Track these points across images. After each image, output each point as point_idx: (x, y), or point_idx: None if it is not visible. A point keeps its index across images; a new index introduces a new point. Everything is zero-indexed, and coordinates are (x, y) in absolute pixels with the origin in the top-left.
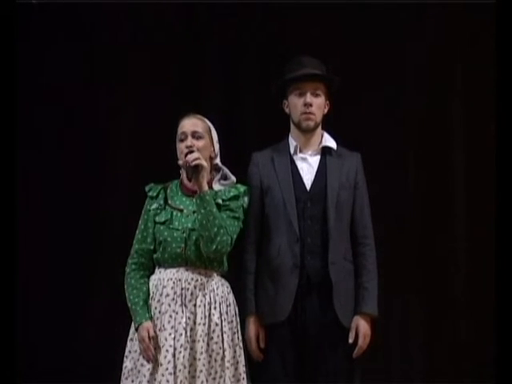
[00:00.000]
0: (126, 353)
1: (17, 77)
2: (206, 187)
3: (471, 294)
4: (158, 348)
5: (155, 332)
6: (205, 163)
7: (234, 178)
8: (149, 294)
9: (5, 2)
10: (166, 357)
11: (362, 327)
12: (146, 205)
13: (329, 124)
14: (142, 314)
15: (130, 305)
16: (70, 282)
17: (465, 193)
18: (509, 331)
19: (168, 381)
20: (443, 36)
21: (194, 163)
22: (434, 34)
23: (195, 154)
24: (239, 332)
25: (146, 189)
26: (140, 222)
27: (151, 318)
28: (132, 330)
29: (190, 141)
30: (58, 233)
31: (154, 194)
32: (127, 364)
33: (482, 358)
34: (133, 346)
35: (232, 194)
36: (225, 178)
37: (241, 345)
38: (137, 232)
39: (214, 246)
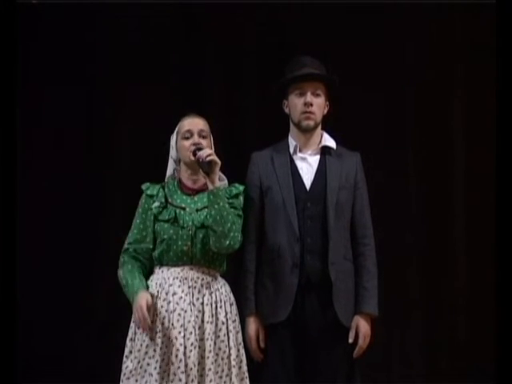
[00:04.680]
0: (127, 353)
1: (17, 76)
2: (218, 183)
3: (471, 294)
4: (159, 332)
5: (152, 302)
6: (218, 159)
7: (226, 180)
8: (146, 278)
9: (5, 2)
10: (177, 355)
11: (362, 327)
12: (144, 203)
13: (329, 124)
14: (138, 283)
15: (124, 282)
16: (69, 281)
17: (465, 193)
18: (509, 331)
19: (181, 379)
20: (443, 36)
21: (208, 159)
22: (433, 34)
23: (208, 150)
24: (240, 332)
25: (143, 187)
26: (138, 220)
27: (147, 289)
28: (132, 330)
29: (197, 139)
30: (57, 232)
31: (154, 193)
32: (128, 364)
33: (482, 358)
34: (134, 345)
35: (234, 192)
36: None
37: (243, 344)
38: (134, 231)
39: (228, 242)
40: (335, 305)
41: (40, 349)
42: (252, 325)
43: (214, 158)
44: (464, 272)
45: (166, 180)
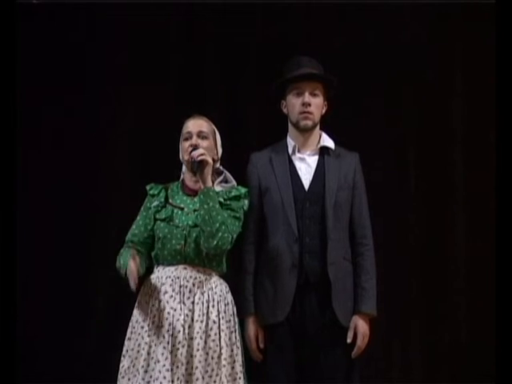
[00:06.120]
0: (124, 352)
1: (17, 77)
2: (209, 183)
3: (471, 294)
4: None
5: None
6: (209, 159)
7: (234, 182)
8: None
9: (5, 2)
10: (163, 354)
11: (360, 327)
12: (146, 202)
13: (327, 124)
14: (127, 257)
15: (118, 265)
16: (69, 281)
17: (465, 193)
18: (509, 331)
19: (165, 377)
20: (443, 36)
21: (199, 158)
22: (434, 34)
23: (200, 150)
24: (237, 331)
25: (147, 187)
26: (138, 217)
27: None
28: (130, 329)
29: (195, 140)
30: (58, 232)
31: (156, 192)
32: (124, 363)
33: (482, 358)
34: (130, 345)
35: (233, 194)
36: (225, 181)
37: (238, 344)
38: (133, 227)
39: (215, 242)
40: (334, 305)
41: (40, 349)
42: (251, 325)
43: (205, 157)
44: (464, 272)
45: (180, 180)
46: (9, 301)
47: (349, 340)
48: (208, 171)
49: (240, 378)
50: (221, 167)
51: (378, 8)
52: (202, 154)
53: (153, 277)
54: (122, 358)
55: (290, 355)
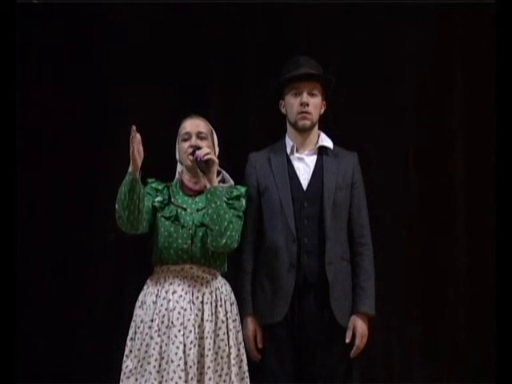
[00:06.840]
0: (127, 352)
1: (17, 77)
2: (216, 182)
3: (471, 294)
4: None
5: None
6: (215, 158)
7: (232, 182)
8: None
9: (5, 2)
10: (176, 353)
11: (359, 327)
12: (147, 188)
13: (327, 123)
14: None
15: (120, 190)
16: (69, 281)
17: (465, 192)
18: (509, 331)
19: (180, 377)
20: (443, 36)
21: (205, 157)
22: (434, 35)
23: (206, 149)
24: (241, 331)
25: (149, 180)
26: None
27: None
28: (132, 329)
29: (194, 140)
30: (58, 232)
31: (160, 188)
32: (128, 363)
33: (482, 358)
34: (134, 345)
35: (235, 193)
36: (223, 181)
37: (243, 344)
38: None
39: (224, 241)
40: (332, 305)
41: (40, 349)
42: (249, 325)
43: (212, 156)
44: (464, 271)
45: (175, 181)
46: (9, 301)
47: (347, 340)
48: (214, 170)
49: (247, 377)
50: (218, 167)
51: (378, 8)
52: (207, 154)
53: (157, 276)
54: (125, 358)
55: (288, 355)
